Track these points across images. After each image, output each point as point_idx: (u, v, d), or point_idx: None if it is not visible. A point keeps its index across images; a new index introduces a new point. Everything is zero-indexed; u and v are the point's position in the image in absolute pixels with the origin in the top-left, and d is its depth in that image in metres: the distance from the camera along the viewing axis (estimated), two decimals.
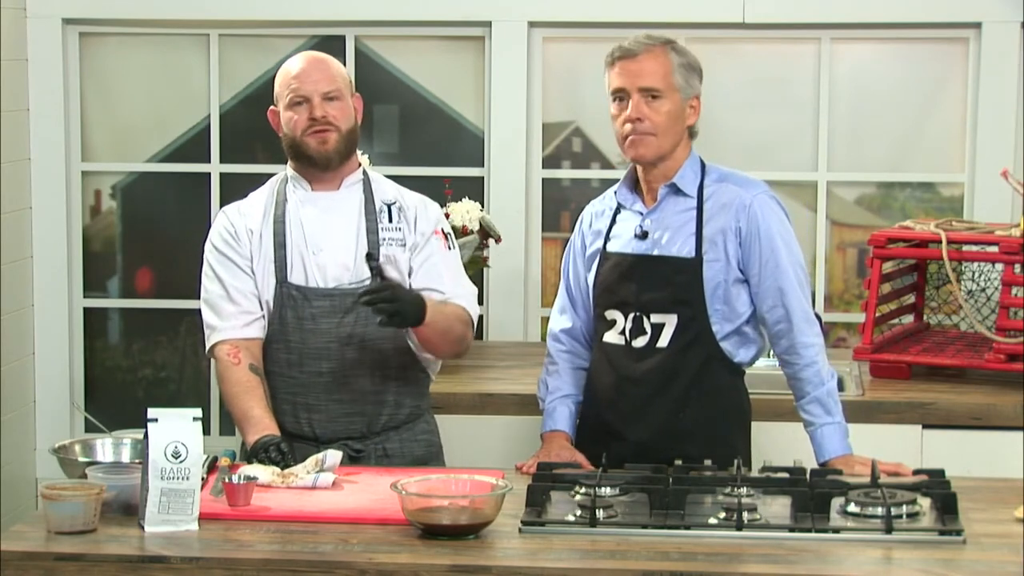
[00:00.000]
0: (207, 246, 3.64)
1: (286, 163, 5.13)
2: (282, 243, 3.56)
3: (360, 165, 3.66)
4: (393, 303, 3.33)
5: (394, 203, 3.61)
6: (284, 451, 3.35)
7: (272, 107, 3.62)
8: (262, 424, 3.45)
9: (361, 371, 3.55)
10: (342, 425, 3.55)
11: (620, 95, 3.46)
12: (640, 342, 3.53)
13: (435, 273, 3.57)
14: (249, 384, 3.51)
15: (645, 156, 3.47)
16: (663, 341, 3.51)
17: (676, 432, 3.50)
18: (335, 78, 3.55)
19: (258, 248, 3.58)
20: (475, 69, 5.27)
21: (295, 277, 3.55)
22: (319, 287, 3.54)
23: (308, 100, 3.53)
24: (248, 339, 3.56)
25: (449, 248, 3.62)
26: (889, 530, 2.92)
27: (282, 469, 3.30)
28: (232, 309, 3.56)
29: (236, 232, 3.60)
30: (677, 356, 3.50)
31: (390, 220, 3.58)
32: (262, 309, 3.57)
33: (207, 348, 3.60)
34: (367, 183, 3.63)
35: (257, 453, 3.36)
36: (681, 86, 3.45)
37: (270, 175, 5.23)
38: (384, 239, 3.56)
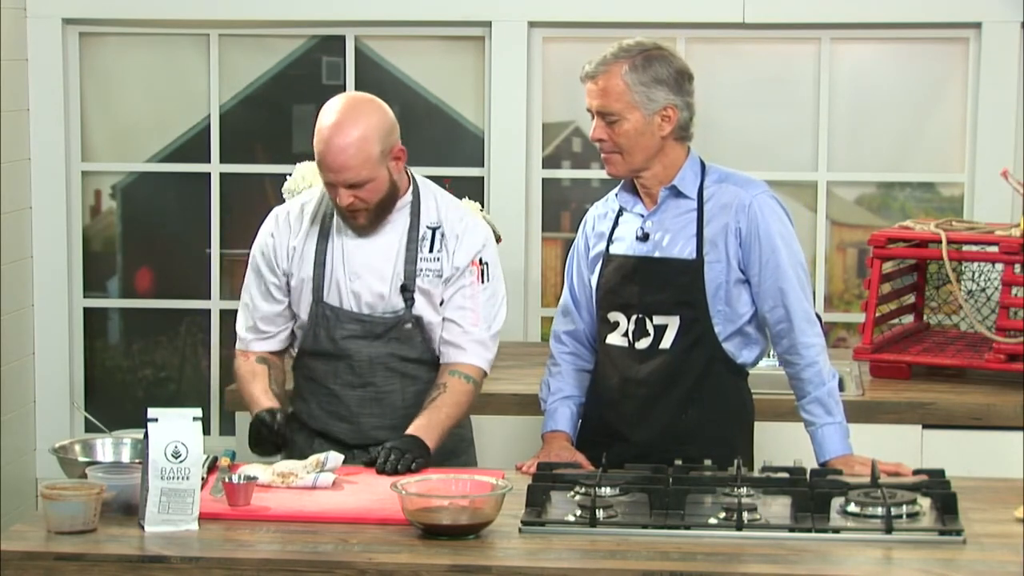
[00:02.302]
0: (254, 245, 3.66)
1: (285, 163, 5.14)
2: (322, 262, 3.57)
3: (410, 185, 3.59)
4: (404, 458, 3.35)
5: (438, 228, 3.57)
6: (270, 423, 3.40)
7: None
8: (258, 404, 3.52)
9: (392, 388, 3.58)
10: (372, 438, 3.57)
11: (591, 113, 3.48)
12: (643, 344, 3.53)
13: (462, 306, 3.56)
14: (254, 371, 3.60)
15: (617, 173, 3.51)
16: (666, 343, 3.51)
17: (679, 433, 3.50)
18: (362, 164, 3.40)
19: (299, 265, 3.59)
20: (475, 69, 5.27)
21: (331, 298, 3.57)
22: (352, 311, 3.56)
23: (335, 186, 3.46)
24: (267, 350, 3.66)
25: (484, 280, 3.57)
26: (889, 530, 2.92)
27: (272, 453, 3.37)
28: (257, 327, 3.64)
29: (276, 249, 3.60)
30: (680, 357, 3.50)
31: (431, 249, 3.55)
32: (294, 321, 3.63)
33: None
34: (416, 204, 3.57)
35: (251, 436, 3.44)
36: (641, 103, 3.43)
37: (270, 175, 5.27)
38: (421, 270, 3.54)
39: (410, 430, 3.46)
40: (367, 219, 3.50)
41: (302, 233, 3.59)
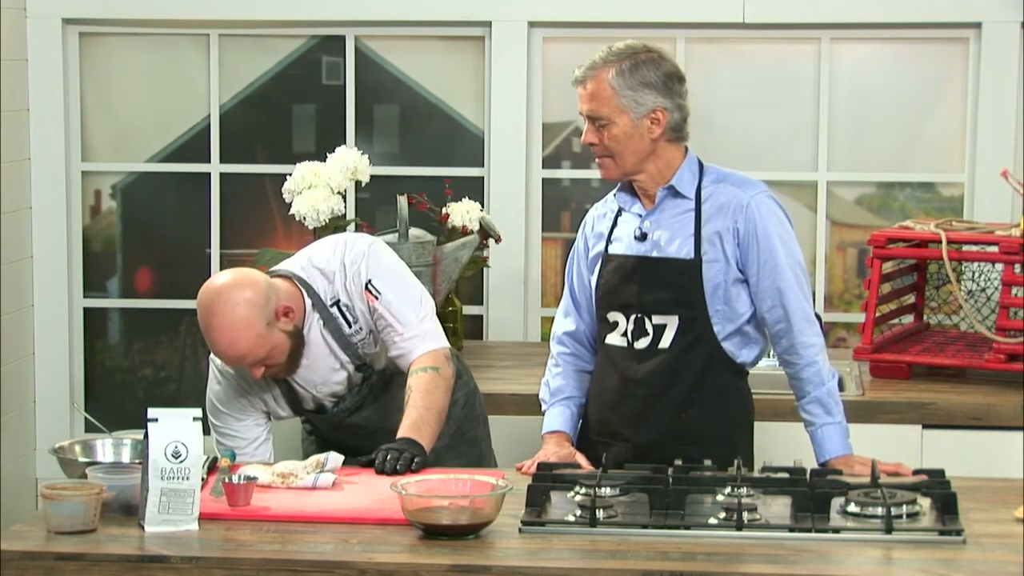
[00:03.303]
0: (211, 396, 3.65)
1: (285, 163, 5.14)
2: (288, 392, 3.63)
3: (304, 300, 3.52)
4: (403, 456, 3.35)
5: (337, 302, 3.54)
6: None
7: None
8: None
9: (392, 424, 3.53)
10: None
11: (583, 117, 3.49)
12: (642, 343, 3.53)
13: (384, 327, 3.55)
14: None
15: (609, 176, 3.52)
16: (665, 342, 3.51)
17: (679, 434, 3.50)
18: (254, 348, 3.38)
19: (266, 388, 3.62)
20: (475, 69, 5.27)
21: (308, 405, 3.65)
22: (333, 416, 3.65)
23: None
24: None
25: (378, 296, 3.53)
26: (889, 530, 2.92)
27: None
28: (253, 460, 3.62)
29: (237, 400, 3.62)
30: (679, 357, 3.50)
31: (349, 324, 3.55)
32: (270, 420, 3.69)
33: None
34: (315, 298, 3.52)
35: None
36: (629, 107, 3.42)
37: (270, 175, 5.27)
38: (357, 343, 3.56)
39: (399, 435, 3.45)
40: (287, 371, 3.53)
41: (247, 374, 3.56)
